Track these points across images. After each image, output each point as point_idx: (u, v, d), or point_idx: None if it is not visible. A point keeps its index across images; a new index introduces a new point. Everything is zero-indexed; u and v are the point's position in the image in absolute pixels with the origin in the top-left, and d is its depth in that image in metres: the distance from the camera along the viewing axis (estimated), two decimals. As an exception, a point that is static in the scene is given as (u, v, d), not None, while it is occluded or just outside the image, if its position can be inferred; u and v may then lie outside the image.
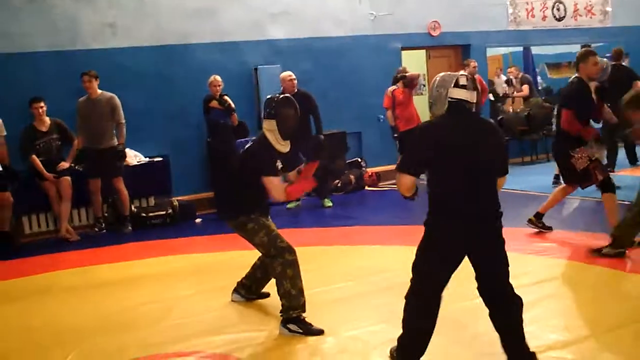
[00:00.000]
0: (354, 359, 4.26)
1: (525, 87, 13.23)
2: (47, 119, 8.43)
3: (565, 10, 13.33)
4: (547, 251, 6.44)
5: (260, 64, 10.18)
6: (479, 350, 4.21)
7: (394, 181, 10.79)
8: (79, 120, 8.57)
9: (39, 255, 7.68)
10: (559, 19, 13.28)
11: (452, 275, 3.70)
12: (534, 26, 13.01)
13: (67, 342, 4.75)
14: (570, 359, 4.03)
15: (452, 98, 3.70)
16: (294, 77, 9.11)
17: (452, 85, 3.71)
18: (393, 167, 10.85)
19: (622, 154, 10.63)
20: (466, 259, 3.71)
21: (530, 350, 3.73)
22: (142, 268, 6.83)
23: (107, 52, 9.19)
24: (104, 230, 8.72)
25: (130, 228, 8.69)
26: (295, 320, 4.64)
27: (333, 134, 10.31)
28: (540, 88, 14.43)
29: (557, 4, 13.22)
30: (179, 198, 9.30)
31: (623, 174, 9.61)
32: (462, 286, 3.72)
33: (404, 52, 11.70)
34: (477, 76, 10.68)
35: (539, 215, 7.10)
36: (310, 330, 4.61)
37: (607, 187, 6.57)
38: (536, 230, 7.05)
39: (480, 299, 3.79)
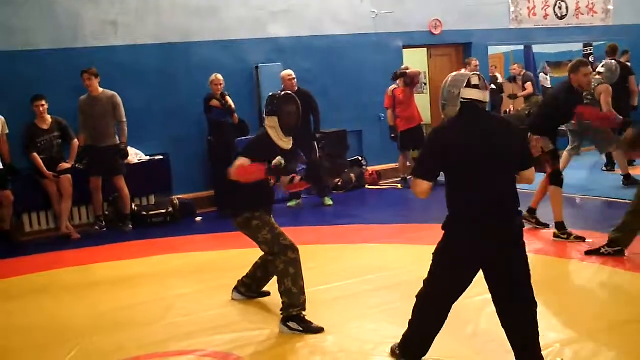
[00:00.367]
0: (354, 357, 4.25)
1: (529, 85, 13.22)
2: (49, 117, 8.43)
3: (567, 8, 13.32)
4: (545, 249, 6.44)
5: (261, 63, 10.18)
6: (480, 346, 4.21)
7: (394, 179, 10.89)
8: (80, 118, 8.56)
9: (39, 254, 7.67)
10: (561, 18, 13.27)
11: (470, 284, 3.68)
12: (535, 24, 13.00)
13: (67, 340, 4.75)
14: (570, 357, 4.02)
15: (464, 98, 3.66)
16: (293, 76, 9.11)
17: (464, 85, 3.67)
18: (394, 165, 10.91)
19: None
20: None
21: None
22: (142, 266, 6.83)
23: (109, 50, 9.18)
24: (105, 229, 8.71)
25: (130, 226, 8.68)
26: (295, 318, 4.64)
27: (333, 133, 10.33)
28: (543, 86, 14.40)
29: (559, 2, 13.21)
30: (180, 196, 9.30)
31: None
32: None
33: (405, 51, 11.69)
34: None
35: (532, 211, 7.12)
36: (310, 329, 4.61)
37: (556, 180, 6.70)
38: (530, 226, 7.04)
39: (481, 295, 3.76)
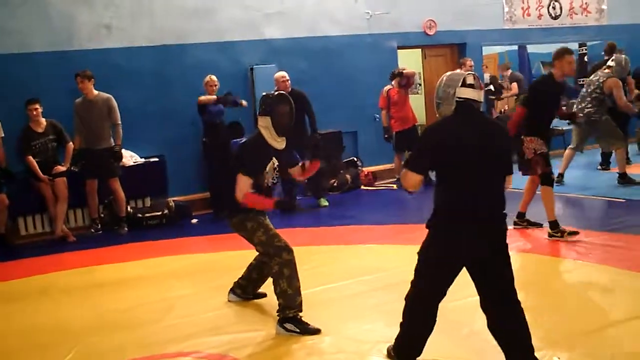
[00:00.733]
0: (350, 358, 4.26)
1: (514, 85, 13.21)
2: (43, 120, 8.41)
3: (561, 8, 13.34)
4: (538, 248, 6.47)
5: (256, 64, 10.18)
6: (474, 347, 4.22)
7: (389, 180, 10.89)
8: (76, 121, 8.55)
9: (35, 257, 7.66)
10: (555, 18, 13.30)
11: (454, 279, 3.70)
12: (529, 25, 13.03)
13: (64, 343, 4.75)
14: (566, 357, 4.03)
15: (459, 97, 3.67)
16: (287, 77, 9.09)
17: (460, 84, 3.68)
18: (389, 166, 10.92)
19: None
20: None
21: None
22: (138, 269, 6.82)
23: (104, 52, 9.17)
24: (100, 231, 8.69)
25: (126, 229, 8.67)
26: (291, 319, 4.65)
27: (329, 134, 10.34)
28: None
29: (552, 2, 13.23)
30: (175, 198, 9.29)
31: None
32: (457, 284, 3.71)
33: (400, 51, 11.70)
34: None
35: (521, 215, 7.15)
36: (306, 330, 4.61)
37: (547, 180, 6.74)
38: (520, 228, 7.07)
39: (475, 296, 3.77)
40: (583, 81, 12.38)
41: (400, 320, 3.86)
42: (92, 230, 8.69)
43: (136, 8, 9.47)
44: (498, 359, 3.72)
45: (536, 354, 3.67)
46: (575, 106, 9.21)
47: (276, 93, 5.08)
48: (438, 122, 3.81)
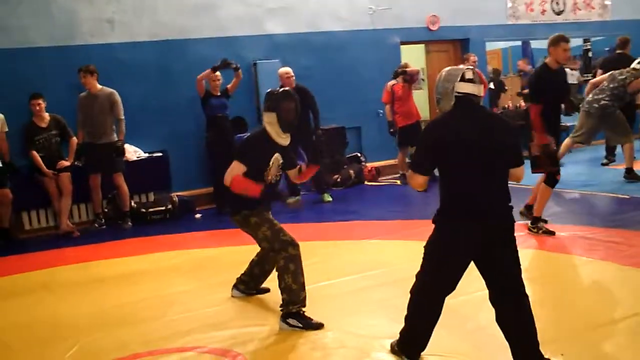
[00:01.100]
0: (354, 353, 4.25)
1: None
2: (47, 115, 8.42)
3: (564, 4, 13.30)
4: (542, 245, 6.45)
5: (259, 59, 10.17)
6: (480, 343, 4.21)
7: (393, 176, 10.89)
8: (79, 116, 8.56)
9: (38, 251, 7.68)
10: (558, 13, 13.26)
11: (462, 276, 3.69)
12: (533, 20, 12.99)
13: (67, 338, 4.75)
14: (570, 353, 4.02)
15: (459, 92, 3.66)
16: (292, 73, 9.09)
17: (459, 79, 3.67)
18: (393, 162, 10.90)
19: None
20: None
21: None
22: (142, 263, 6.83)
23: (106, 47, 9.17)
24: (104, 226, 8.71)
25: (130, 224, 8.69)
26: (295, 315, 4.64)
27: (332, 129, 10.34)
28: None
29: (556, -3, 13.22)
30: (179, 193, 9.30)
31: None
32: (464, 278, 3.71)
33: (403, 47, 11.68)
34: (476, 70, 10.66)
35: (529, 207, 7.15)
36: (310, 325, 4.61)
37: (550, 181, 6.72)
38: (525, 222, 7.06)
39: (481, 291, 3.77)
40: (588, 77, 12.35)
41: (404, 315, 3.86)
42: (96, 225, 8.71)
43: (138, 3, 9.46)
44: (503, 354, 3.72)
45: (541, 349, 3.67)
46: (590, 95, 9.03)
47: (281, 89, 5.07)
48: (437, 118, 3.81)
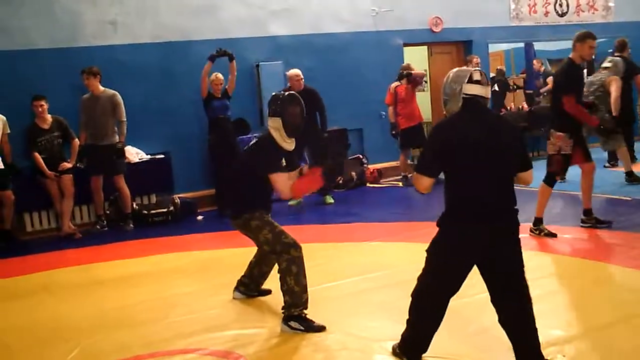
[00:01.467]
0: (356, 356, 4.24)
1: (550, 79, 13.13)
2: (49, 117, 8.43)
3: (567, 5, 13.30)
4: (545, 247, 6.44)
5: (261, 61, 10.17)
6: (482, 345, 4.20)
7: (395, 177, 10.87)
8: (82, 117, 8.56)
9: (40, 253, 7.67)
10: (562, 15, 13.25)
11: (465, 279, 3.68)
12: (536, 22, 12.99)
13: (68, 340, 4.75)
14: (571, 354, 4.01)
15: (466, 94, 3.65)
16: (301, 76, 9.04)
17: (466, 81, 3.66)
18: (395, 163, 10.89)
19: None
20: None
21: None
22: (144, 265, 6.83)
23: (109, 49, 9.18)
24: (106, 228, 8.71)
25: (131, 225, 8.68)
26: (296, 317, 4.62)
27: (334, 131, 10.32)
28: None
29: (559, -1, 13.21)
30: (181, 195, 9.29)
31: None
32: (466, 281, 3.69)
33: (405, 49, 11.68)
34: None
35: (587, 212, 7.04)
36: (311, 327, 4.59)
37: (549, 180, 6.73)
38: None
39: (483, 294, 3.76)
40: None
41: (406, 317, 3.85)
42: (98, 226, 8.70)
43: (141, 5, 9.48)
44: (505, 356, 3.71)
45: (542, 351, 3.66)
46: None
47: (286, 93, 5.00)
48: (444, 120, 3.79)
